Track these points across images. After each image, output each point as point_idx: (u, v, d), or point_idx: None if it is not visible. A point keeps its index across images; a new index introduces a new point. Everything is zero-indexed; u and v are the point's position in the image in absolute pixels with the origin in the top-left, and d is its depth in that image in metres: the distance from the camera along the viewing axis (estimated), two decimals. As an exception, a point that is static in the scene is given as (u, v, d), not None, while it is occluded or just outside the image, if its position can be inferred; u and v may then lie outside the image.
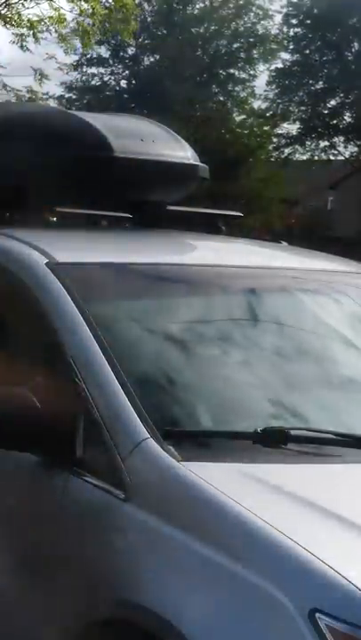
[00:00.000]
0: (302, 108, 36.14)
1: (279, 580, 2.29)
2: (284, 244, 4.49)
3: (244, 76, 35.04)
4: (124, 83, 35.74)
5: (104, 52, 34.17)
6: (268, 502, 2.53)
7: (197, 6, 35.18)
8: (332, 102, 35.88)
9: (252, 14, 34.81)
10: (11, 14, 17.29)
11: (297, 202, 36.56)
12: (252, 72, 35.02)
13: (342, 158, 35.93)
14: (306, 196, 37.79)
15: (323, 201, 41.85)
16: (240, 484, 2.60)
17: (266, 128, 34.55)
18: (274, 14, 37.13)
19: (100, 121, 4.33)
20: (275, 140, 36.05)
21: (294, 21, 35.47)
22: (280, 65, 35.53)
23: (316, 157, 36.19)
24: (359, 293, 3.76)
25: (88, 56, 33.51)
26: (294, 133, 36.07)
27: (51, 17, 17.16)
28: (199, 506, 2.52)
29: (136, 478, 2.68)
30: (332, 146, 36.13)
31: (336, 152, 36.21)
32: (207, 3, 34.84)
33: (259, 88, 46.95)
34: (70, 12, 17.29)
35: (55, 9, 17.13)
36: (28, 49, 17.34)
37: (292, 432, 2.79)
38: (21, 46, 17.34)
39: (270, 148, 35.52)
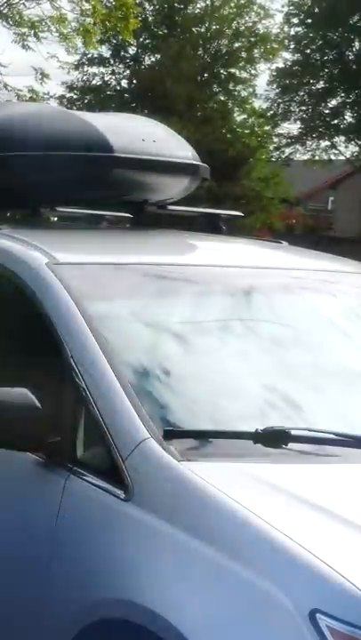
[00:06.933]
0: (303, 107, 36.11)
1: (280, 581, 2.29)
2: (285, 243, 4.48)
3: (244, 75, 34.93)
4: (124, 82, 35.69)
5: (105, 51, 34.11)
6: (268, 502, 2.53)
7: (198, 6, 35.10)
8: (333, 102, 35.85)
9: (253, 14, 34.72)
10: (12, 14, 17.30)
11: (297, 202, 36.58)
12: (252, 71, 34.90)
13: (343, 158, 35.91)
14: (306, 196, 37.83)
15: (323, 201, 41.90)
16: (241, 483, 2.60)
17: (267, 128, 34.52)
18: (275, 13, 37.12)
19: (100, 120, 4.33)
20: (275, 139, 36.04)
21: (295, 21, 35.41)
22: (281, 64, 35.50)
23: (316, 157, 36.15)
24: (359, 293, 3.77)
25: (89, 56, 33.45)
26: (295, 133, 36.06)
27: (52, 17, 17.17)
28: (199, 506, 2.52)
29: (136, 478, 2.67)
30: (333, 146, 36.11)
31: (337, 152, 36.21)
32: (208, 2, 34.75)
33: (260, 87, 47.02)
34: (71, 11, 17.32)
35: (56, 8, 17.15)
36: (29, 47, 17.36)
37: (293, 432, 2.78)
38: (23, 45, 17.36)
39: (271, 147, 35.50)
